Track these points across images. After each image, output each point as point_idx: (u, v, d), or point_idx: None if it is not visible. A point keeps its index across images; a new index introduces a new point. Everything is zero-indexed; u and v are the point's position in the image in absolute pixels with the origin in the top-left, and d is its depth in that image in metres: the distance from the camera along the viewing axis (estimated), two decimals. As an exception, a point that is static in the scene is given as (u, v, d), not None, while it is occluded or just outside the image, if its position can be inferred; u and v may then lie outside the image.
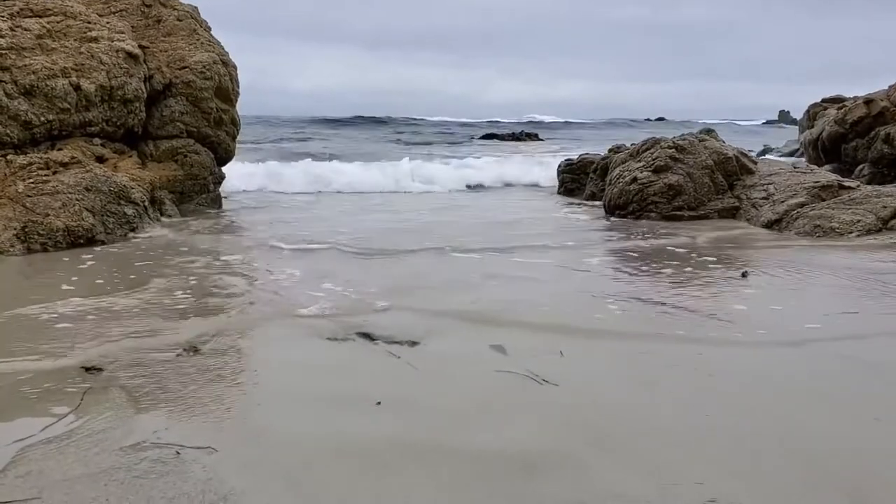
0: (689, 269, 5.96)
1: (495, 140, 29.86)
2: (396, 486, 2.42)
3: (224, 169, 9.48)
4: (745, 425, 2.87)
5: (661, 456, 2.61)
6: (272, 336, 4.06)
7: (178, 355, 3.60)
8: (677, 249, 6.86)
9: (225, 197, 9.63)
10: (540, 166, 14.94)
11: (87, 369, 3.36)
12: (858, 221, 7.41)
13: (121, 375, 3.32)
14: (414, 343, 3.84)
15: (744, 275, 5.42)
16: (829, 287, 5.29)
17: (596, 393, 3.21)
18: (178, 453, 2.58)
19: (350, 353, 3.75)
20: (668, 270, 5.88)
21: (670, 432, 2.81)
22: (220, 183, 9.40)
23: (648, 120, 52.42)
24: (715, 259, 6.34)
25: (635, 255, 6.71)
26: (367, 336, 3.95)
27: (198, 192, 8.89)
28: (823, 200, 8.07)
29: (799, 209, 7.98)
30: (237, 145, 9.83)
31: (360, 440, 2.72)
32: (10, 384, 3.22)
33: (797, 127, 17.82)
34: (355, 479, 2.45)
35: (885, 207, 7.54)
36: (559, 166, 12.77)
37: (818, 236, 7.39)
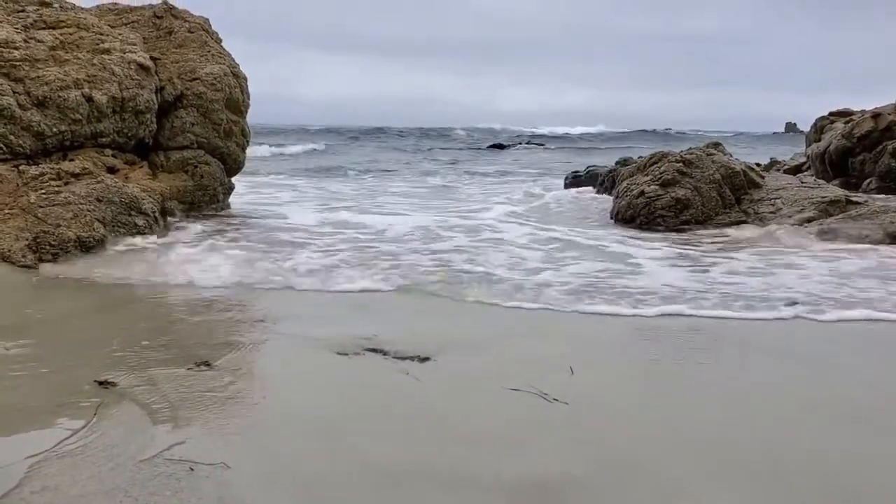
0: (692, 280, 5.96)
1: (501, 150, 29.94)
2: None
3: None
4: (759, 442, 2.88)
5: (672, 477, 2.62)
6: (284, 350, 4.08)
7: (189, 369, 3.63)
8: (683, 261, 6.86)
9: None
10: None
11: (101, 383, 3.39)
12: (867, 236, 7.41)
13: (134, 390, 3.35)
14: (424, 359, 3.86)
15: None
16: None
17: (606, 411, 3.22)
18: (191, 469, 2.61)
19: (360, 368, 3.77)
20: (673, 282, 5.89)
21: (679, 451, 2.82)
22: (229, 193, 9.48)
23: (655, 131, 52.36)
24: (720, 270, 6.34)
25: (642, 267, 6.72)
26: (379, 351, 3.97)
27: (207, 203, 8.95)
28: (831, 215, 8.09)
29: (807, 224, 7.99)
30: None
31: (372, 458, 2.74)
32: (24, 397, 3.25)
33: (804, 139, 17.80)
34: (368, 498, 2.47)
35: (894, 223, 7.54)
36: (566, 178, 12.89)
37: (826, 252, 7.39)
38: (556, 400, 3.28)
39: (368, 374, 3.68)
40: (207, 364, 3.69)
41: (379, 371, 3.72)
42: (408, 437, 2.93)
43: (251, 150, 10.62)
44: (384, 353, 3.94)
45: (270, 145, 25.92)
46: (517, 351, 4.06)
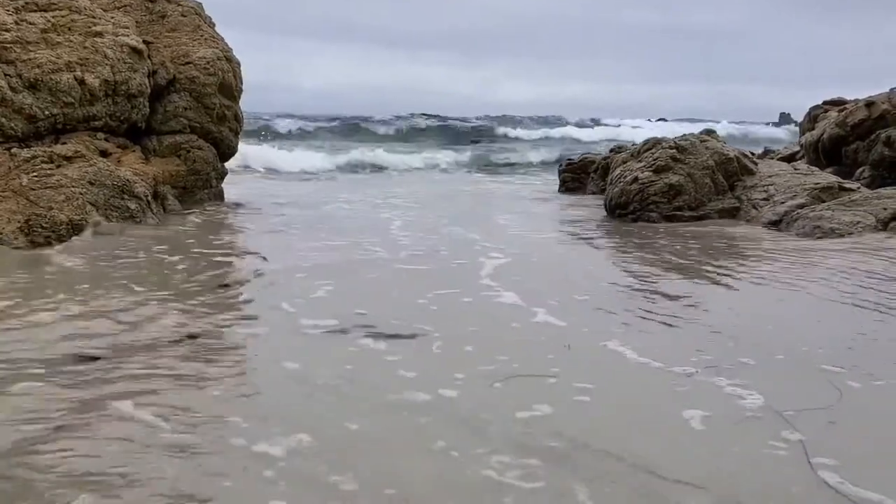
0: (685, 269, 5.99)
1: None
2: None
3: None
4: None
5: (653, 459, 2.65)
6: (275, 326, 4.09)
7: (172, 342, 3.65)
8: (676, 250, 6.89)
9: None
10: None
11: (81, 358, 3.39)
12: (858, 223, 7.44)
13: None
14: (413, 336, 3.88)
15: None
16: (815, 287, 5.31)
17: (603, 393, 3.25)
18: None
19: (354, 342, 3.78)
20: (665, 271, 5.91)
21: (661, 439, 2.85)
22: (222, 178, 9.44)
23: (649, 121, 52.09)
24: (713, 259, 6.38)
25: (632, 254, 6.75)
26: (370, 326, 3.99)
27: (200, 188, 8.92)
28: (823, 202, 8.11)
29: (799, 210, 8.01)
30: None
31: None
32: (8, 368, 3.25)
33: (797, 129, 17.80)
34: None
35: (886, 209, 7.57)
36: (560, 166, 12.91)
37: (818, 237, 7.42)
38: (551, 376, 3.30)
39: (358, 350, 3.69)
40: (194, 336, 3.70)
41: (370, 344, 3.73)
42: (407, 413, 2.94)
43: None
44: (374, 327, 3.95)
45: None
46: (515, 336, 4.07)
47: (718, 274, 5.67)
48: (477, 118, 34.43)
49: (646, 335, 3.99)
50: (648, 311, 4.48)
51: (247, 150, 14.40)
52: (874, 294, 4.86)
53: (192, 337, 3.76)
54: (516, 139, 29.72)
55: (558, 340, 3.84)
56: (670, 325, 4.19)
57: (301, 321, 4.12)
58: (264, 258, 6.01)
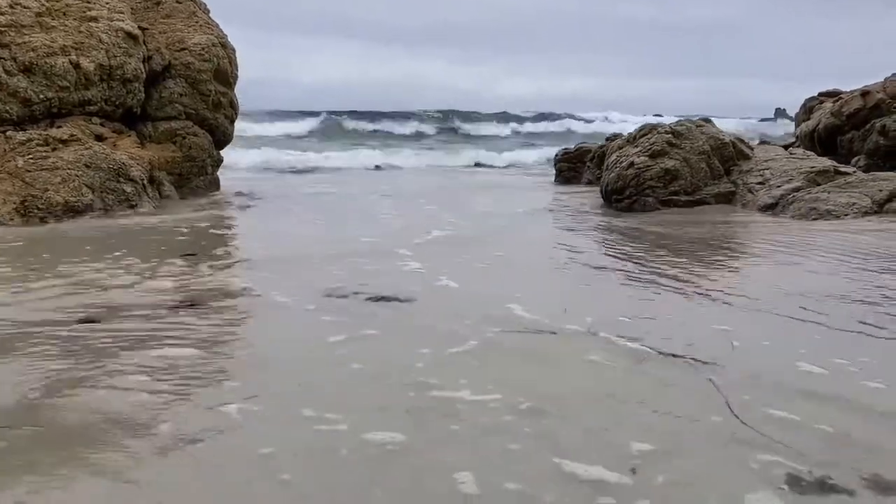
0: (681, 253, 6.00)
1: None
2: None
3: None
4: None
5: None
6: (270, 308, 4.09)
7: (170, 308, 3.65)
8: (671, 233, 6.90)
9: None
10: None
11: (83, 321, 3.39)
12: (854, 204, 7.45)
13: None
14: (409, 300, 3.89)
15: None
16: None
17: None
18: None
19: (348, 309, 3.78)
20: (659, 255, 5.91)
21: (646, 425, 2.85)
22: (217, 166, 9.43)
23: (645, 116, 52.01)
24: (708, 243, 6.38)
25: (628, 238, 6.75)
26: (363, 294, 3.99)
27: (196, 175, 8.91)
28: (819, 185, 8.12)
29: (795, 193, 8.02)
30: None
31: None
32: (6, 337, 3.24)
33: (793, 122, 17.81)
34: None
35: (881, 191, 7.58)
36: (556, 155, 12.91)
37: (813, 219, 7.43)
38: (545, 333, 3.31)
39: (354, 315, 3.69)
40: (193, 304, 3.70)
41: (364, 310, 3.73)
42: (399, 386, 2.94)
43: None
44: (361, 294, 3.96)
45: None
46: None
47: (674, 253, 5.68)
48: (482, 113, 34.29)
49: (552, 300, 4.02)
50: (576, 282, 4.57)
51: (244, 149, 14.51)
52: (839, 266, 4.87)
53: (186, 303, 3.77)
54: (521, 134, 29.78)
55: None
56: (584, 293, 4.26)
57: (263, 288, 4.15)
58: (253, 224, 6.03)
